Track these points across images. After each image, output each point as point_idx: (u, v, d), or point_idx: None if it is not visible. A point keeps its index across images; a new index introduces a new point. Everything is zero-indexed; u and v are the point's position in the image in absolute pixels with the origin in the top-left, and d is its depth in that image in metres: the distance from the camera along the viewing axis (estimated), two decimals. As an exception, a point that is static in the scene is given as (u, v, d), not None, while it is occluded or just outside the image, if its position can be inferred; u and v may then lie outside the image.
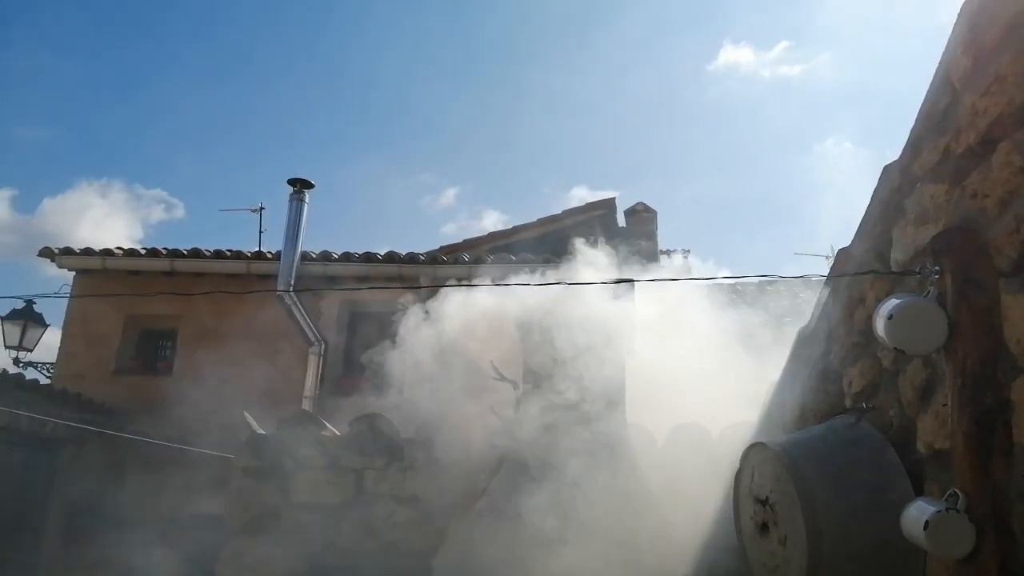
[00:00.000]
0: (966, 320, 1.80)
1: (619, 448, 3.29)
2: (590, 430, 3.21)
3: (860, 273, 2.25)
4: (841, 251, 2.62)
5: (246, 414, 4.18)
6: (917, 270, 2.03)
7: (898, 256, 2.30)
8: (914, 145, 2.34)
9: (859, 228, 2.55)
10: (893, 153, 2.34)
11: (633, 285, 3.66)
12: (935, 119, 2.26)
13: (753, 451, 2.41)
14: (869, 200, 2.52)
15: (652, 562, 3.02)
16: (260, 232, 11.16)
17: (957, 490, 1.66)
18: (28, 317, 9.88)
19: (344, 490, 3.86)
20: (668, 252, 10.41)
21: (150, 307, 9.50)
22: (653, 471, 3.38)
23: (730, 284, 4.47)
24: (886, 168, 2.46)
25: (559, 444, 3.10)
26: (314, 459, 3.94)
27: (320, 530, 3.79)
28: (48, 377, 9.84)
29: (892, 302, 1.90)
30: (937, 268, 1.94)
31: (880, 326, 1.89)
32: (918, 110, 2.34)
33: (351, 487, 3.84)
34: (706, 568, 3.00)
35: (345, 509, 3.83)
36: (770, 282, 5.79)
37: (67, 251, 9.42)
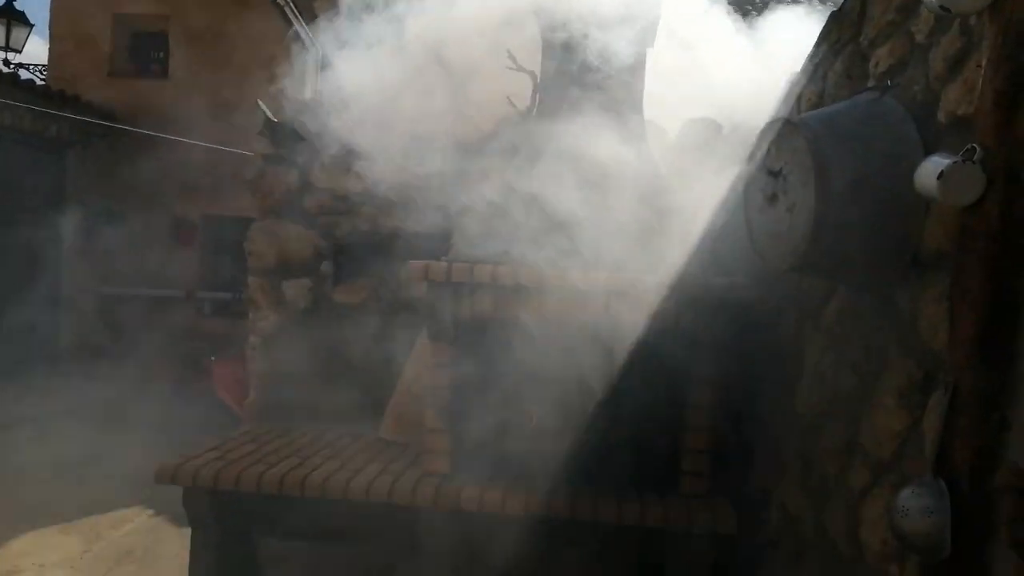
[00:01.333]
0: (1019, -25, 1.77)
1: (635, 141, 3.36)
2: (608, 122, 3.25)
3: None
4: (891, -80, 2.46)
5: (260, 102, 4.18)
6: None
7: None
8: None
9: None
10: None
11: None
12: None
13: (771, 126, 2.47)
14: None
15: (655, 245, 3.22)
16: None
17: (975, 144, 1.74)
18: (10, 15, 9.42)
19: (361, 178, 3.99)
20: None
21: (137, 6, 9.07)
22: (664, 166, 3.48)
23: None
24: None
25: (578, 130, 3.15)
26: (331, 147, 4.03)
27: (341, 216, 3.99)
28: (42, 80, 9.63)
29: (944, -39, 1.84)
30: (1001, -79, 1.86)
31: (927, -13, 1.86)
32: None
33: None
34: (706, 251, 3.22)
35: (362, 197, 4.00)
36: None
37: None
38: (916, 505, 1.67)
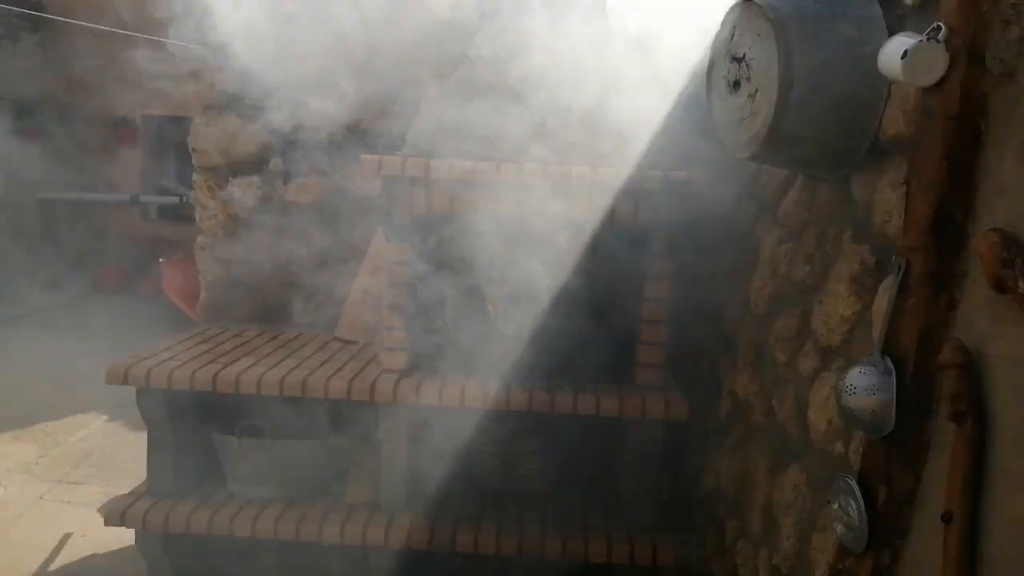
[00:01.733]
0: None
1: (597, 30, 3.25)
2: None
3: None
4: None
5: (199, -13, 3.90)
6: None
7: None
8: None
9: None
10: None
11: None
12: None
13: (736, 9, 2.40)
14: None
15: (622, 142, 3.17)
16: None
17: (940, 23, 1.70)
18: None
19: (310, 67, 3.81)
20: None
21: None
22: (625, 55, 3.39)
23: None
24: None
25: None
26: (276, 33, 3.81)
27: (289, 109, 3.81)
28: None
29: None
30: None
31: None
32: None
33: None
34: (664, 143, 3.19)
35: (310, 87, 3.81)
36: None
37: None
38: (863, 383, 1.71)
